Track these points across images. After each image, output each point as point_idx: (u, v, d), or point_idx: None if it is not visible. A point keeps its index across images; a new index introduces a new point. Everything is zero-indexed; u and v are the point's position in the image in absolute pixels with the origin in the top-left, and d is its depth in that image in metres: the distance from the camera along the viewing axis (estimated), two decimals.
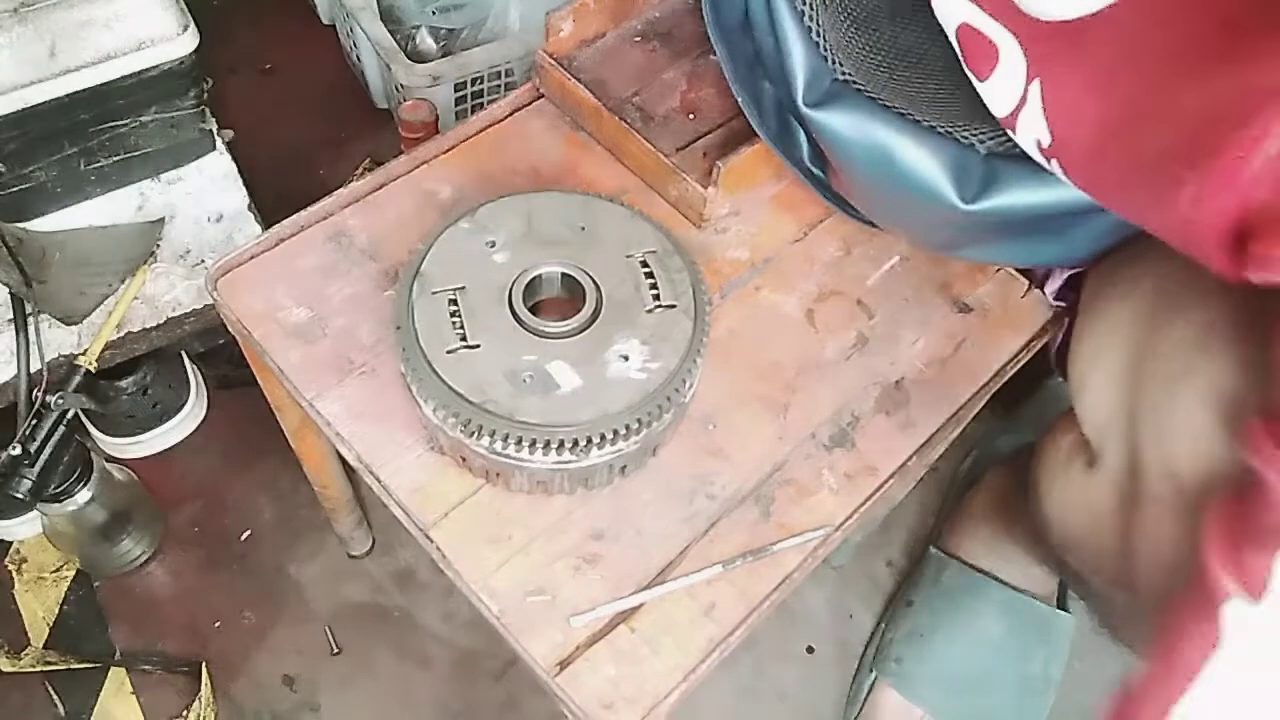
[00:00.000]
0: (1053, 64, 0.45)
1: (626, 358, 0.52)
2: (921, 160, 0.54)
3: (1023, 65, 0.46)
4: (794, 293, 0.65)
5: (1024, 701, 0.92)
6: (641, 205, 0.59)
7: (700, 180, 0.64)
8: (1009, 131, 0.49)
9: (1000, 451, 1.07)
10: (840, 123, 0.55)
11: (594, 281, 0.55)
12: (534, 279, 0.55)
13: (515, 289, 0.54)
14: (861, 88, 0.56)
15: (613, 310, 0.54)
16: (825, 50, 0.56)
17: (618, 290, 0.54)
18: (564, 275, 0.55)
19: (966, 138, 0.54)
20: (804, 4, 0.56)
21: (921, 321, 0.65)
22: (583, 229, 0.57)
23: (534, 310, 0.54)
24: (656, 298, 0.54)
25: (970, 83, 0.51)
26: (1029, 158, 0.49)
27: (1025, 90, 0.47)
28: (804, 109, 0.56)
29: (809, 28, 0.56)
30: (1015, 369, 0.64)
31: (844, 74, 0.56)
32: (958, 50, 0.51)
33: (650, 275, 0.55)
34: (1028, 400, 1.11)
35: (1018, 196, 0.53)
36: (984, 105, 0.50)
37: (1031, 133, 0.47)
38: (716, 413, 0.60)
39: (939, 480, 1.10)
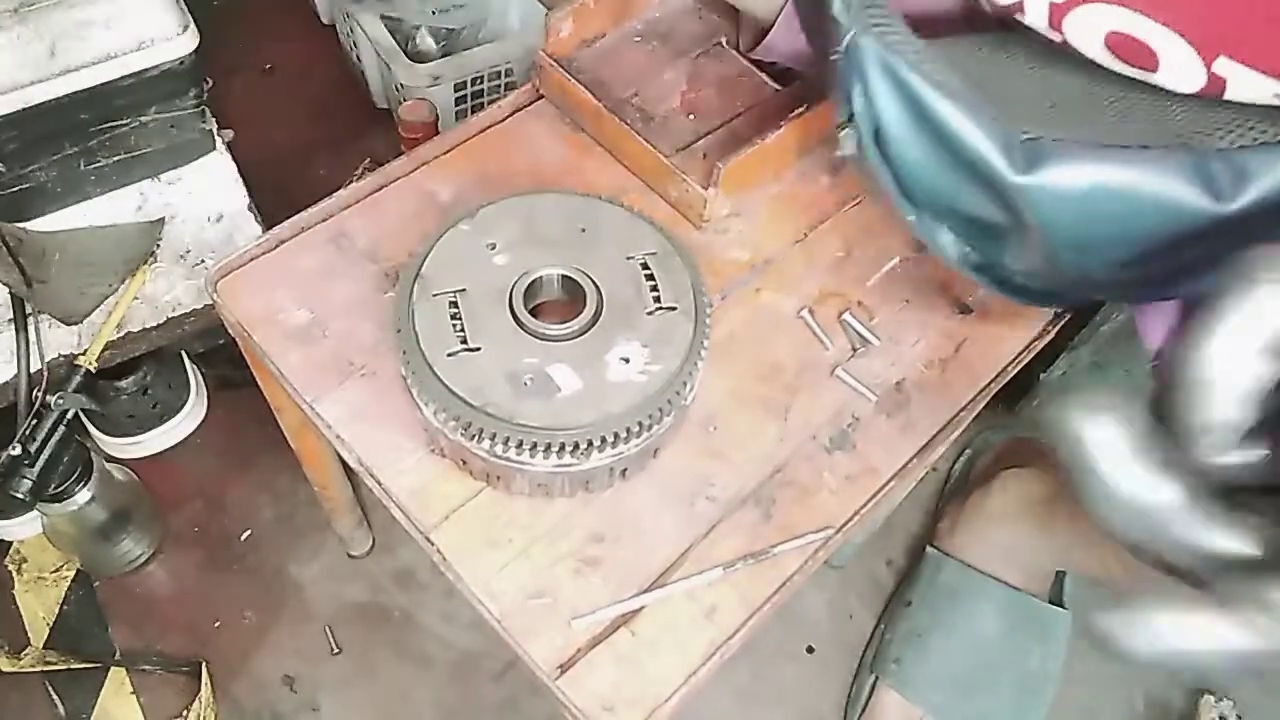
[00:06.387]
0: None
1: (627, 360, 0.52)
2: (1156, 182, 0.49)
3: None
4: (794, 294, 0.65)
5: (1023, 699, 0.92)
6: (642, 206, 0.59)
7: (700, 181, 0.64)
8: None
9: (991, 446, 1.07)
10: (1062, 176, 0.50)
11: (594, 283, 0.55)
12: (534, 281, 0.55)
13: (516, 291, 0.54)
14: (1059, 138, 0.51)
15: (613, 312, 0.54)
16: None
17: (618, 292, 0.54)
18: (564, 277, 0.55)
19: (1199, 141, 0.49)
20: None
21: (922, 323, 0.65)
22: (583, 231, 0.57)
23: (534, 312, 0.54)
24: (657, 299, 0.54)
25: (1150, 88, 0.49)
26: None
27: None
28: (1016, 180, 0.50)
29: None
30: (1016, 370, 0.64)
31: (1027, 134, 0.51)
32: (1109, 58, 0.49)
33: (651, 277, 0.55)
34: (1024, 397, 1.11)
35: None
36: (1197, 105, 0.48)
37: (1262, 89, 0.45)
38: (717, 414, 0.60)
39: (939, 480, 1.10)
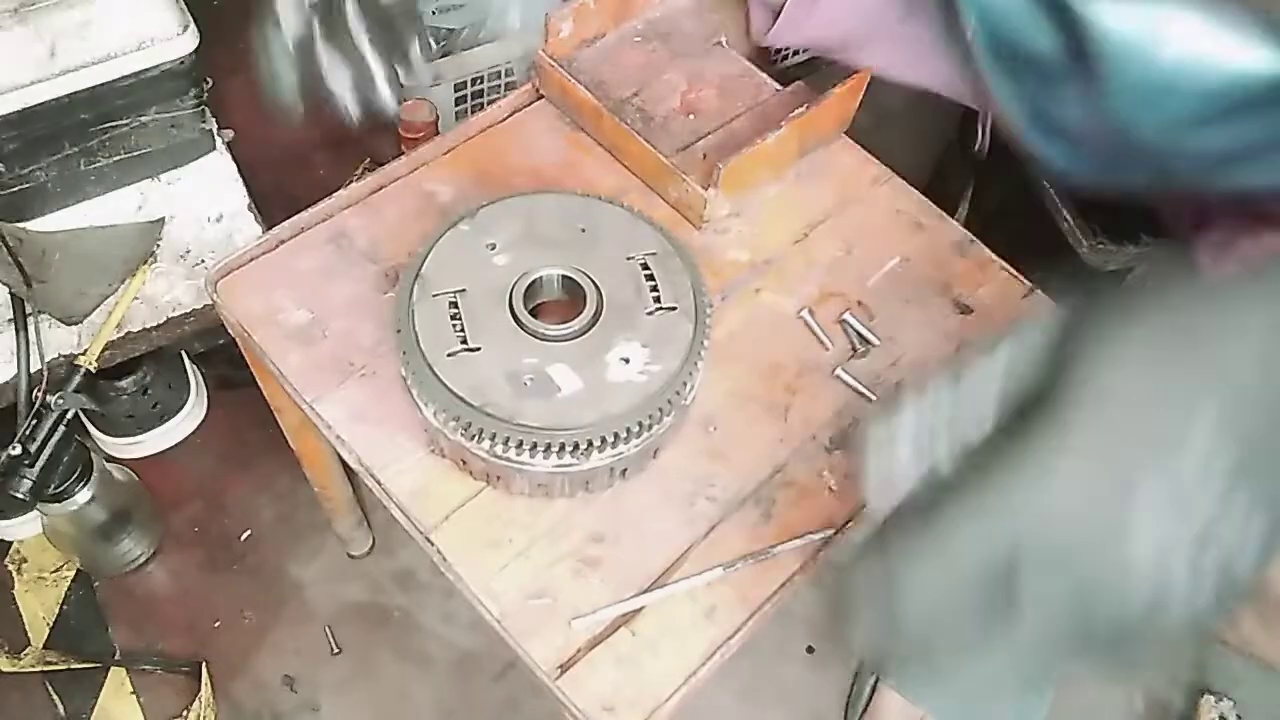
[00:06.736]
0: None
1: (627, 360, 0.52)
2: (1225, 32, 0.49)
3: None
4: (794, 294, 0.65)
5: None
6: (642, 206, 0.59)
7: (701, 181, 0.64)
8: None
9: None
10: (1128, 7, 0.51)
11: (594, 284, 0.55)
12: (534, 281, 0.55)
13: (516, 291, 0.54)
14: None
15: (613, 313, 0.54)
16: None
17: (618, 292, 0.54)
18: (564, 277, 0.55)
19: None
20: None
21: (922, 323, 0.65)
22: (583, 231, 0.57)
23: (534, 313, 0.54)
24: (657, 300, 0.54)
25: None
26: None
27: None
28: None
29: None
30: None
31: None
32: None
33: (651, 277, 0.55)
34: None
35: None
36: None
37: None
38: (717, 415, 0.60)
39: None
